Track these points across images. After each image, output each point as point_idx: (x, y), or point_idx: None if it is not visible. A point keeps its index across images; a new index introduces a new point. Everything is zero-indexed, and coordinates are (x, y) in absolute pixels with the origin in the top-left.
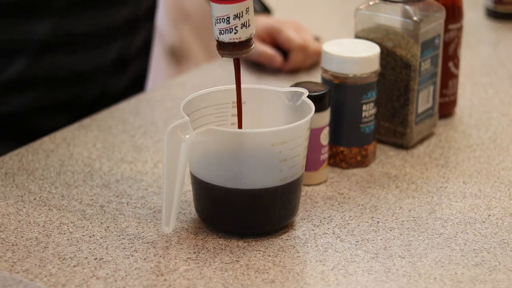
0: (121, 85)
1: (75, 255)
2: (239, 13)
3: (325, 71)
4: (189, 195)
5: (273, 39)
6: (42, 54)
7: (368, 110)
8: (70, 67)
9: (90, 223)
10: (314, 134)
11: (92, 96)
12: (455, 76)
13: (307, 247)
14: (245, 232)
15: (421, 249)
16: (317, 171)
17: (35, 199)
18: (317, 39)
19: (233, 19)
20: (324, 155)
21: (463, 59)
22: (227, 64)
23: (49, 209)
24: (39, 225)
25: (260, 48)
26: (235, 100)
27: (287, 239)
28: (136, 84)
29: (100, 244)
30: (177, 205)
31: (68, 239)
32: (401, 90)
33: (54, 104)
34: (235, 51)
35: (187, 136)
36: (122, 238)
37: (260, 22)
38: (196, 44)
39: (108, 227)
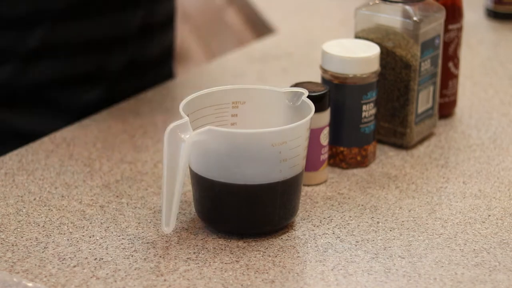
0: (150, 55)
1: (75, 255)
2: None
3: (325, 71)
4: (189, 195)
5: None
6: (64, 21)
7: (368, 110)
8: (92, 34)
9: (90, 223)
10: (314, 134)
11: (118, 67)
12: (455, 76)
13: (307, 247)
14: (245, 232)
15: (421, 249)
16: (317, 171)
17: (35, 199)
18: None
19: None
20: (324, 155)
21: (463, 59)
22: (227, 64)
23: (49, 209)
24: (39, 225)
25: None
26: (235, 100)
27: (287, 239)
28: (165, 56)
29: (100, 244)
30: (177, 205)
31: (68, 239)
32: (401, 90)
33: (77, 75)
34: None
35: (187, 136)
36: (122, 239)
37: None
38: (196, 44)
39: (108, 227)
